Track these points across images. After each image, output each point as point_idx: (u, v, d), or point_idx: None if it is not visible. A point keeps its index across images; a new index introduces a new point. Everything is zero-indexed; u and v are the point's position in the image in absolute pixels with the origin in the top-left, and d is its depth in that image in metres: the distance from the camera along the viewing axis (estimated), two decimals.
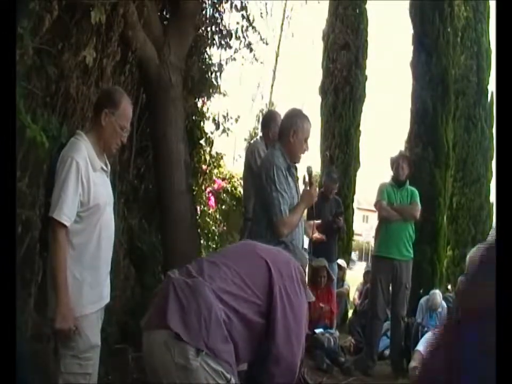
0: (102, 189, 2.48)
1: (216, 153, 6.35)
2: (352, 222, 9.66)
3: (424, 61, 7.49)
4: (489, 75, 10.80)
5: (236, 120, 6.05)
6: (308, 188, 3.31)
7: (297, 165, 3.43)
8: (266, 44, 6.16)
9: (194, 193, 5.37)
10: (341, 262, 7.14)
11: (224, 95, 5.95)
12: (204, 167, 6.07)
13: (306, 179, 3.36)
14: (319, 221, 3.88)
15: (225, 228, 7.23)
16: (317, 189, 3.41)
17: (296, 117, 3.33)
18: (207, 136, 5.80)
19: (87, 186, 2.37)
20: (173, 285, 1.90)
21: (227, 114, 5.91)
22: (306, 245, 4.28)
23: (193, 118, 5.50)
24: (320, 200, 5.98)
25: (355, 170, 9.69)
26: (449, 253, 9.98)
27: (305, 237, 3.93)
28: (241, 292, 1.95)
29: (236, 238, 5.30)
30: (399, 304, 5.25)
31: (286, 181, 3.19)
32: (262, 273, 2.01)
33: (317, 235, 3.74)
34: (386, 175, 5.72)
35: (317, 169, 9.95)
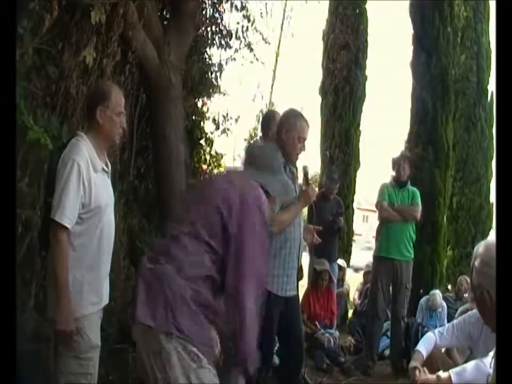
0: (103, 190, 2.48)
1: (216, 153, 6.35)
2: (352, 222, 9.66)
3: (424, 61, 7.48)
4: (489, 75, 10.80)
5: (236, 120, 6.05)
6: (305, 187, 3.30)
7: (296, 164, 3.43)
8: (268, 43, 6.16)
9: None
10: (341, 262, 7.15)
11: (224, 95, 5.95)
12: (204, 167, 6.07)
13: (303, 178, 3.36)
14: (319, 227, 3.87)
15: None
16: (315, 189, 3.41)
17: (290, 116, 3.34)
18: (207, 136, 5.80)
19: (88, 188, 2.38)
20: (142, 276, 2.00)
21: (227, 114, 5.91)
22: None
23: (193, 118, 5.50)
24: (321, 200, 5.99)
25: (355, 170, 9.69)
26: (449, 253, 9.98)
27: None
28: (207, 257, 1.97)
29: None
30: (399, 304, 5.25)
31: None
32: (218, 224, 1.98)
33: (314, 240, 3.74)
34: (386, 175, 5.73)
35: (316, 169, 9.97)
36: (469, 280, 1.88)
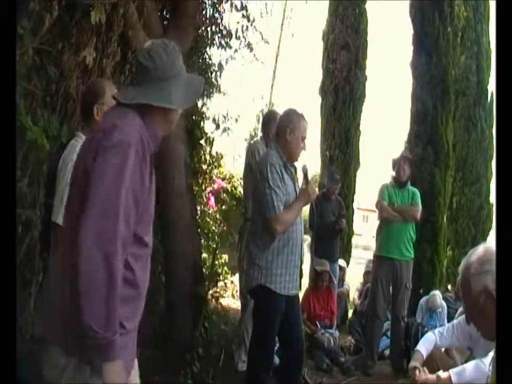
0: None
1: (216, 153, 6.35)
2: (352, 222, 9.66)
3: (424, 61, 7.48)
4: (489, 75, 10.80)
5: (236, 120, 6.06)
6: (305, 186, 3.32)
7: (294, 164, 3.44)
8: (267, 43, 6.15)
9: (194, 193, 5.37)
10: (341, 262, 7.15)
11: (224, 94, 5.95)
12: (204, 167, 6.07)
13: (302, 177, 3.37)
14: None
15: (225, 228, 7.22)
16: (314, 188, 3.42)
17: (292, 116, 3.35)
18: (207, 136, 5.80)
19: None
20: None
21: (227, 114, 5.92)
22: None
23: (193, 118, 5.50)
24: (322, 200, 6.00)
25: (355, 170, 9.68)
26: (449, 253, 9.96)
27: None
28: None
29: (235, 238, 5.30)
30: (399, 304, 5.26)
31: (281, 179, 3.19)
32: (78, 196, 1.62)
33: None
34: (386, 175, 5.74)
35: (317, 169, 9.96)
36: None
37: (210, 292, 5.46)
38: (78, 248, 1.47)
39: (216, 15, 5.39)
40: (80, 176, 1.63)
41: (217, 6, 5.35)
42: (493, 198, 10.39)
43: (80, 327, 1.47)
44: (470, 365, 2.61)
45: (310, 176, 3.49)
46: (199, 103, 5.69)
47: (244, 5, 5.49)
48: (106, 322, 1.48)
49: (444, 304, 6.19)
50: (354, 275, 9.49)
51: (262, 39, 5.93)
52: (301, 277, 3.48)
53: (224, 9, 5.44)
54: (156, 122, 1.74)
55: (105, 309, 1.48)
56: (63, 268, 1.60)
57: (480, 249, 1.73)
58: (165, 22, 4.59)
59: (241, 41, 5.57)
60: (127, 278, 1.63)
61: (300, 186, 3.42)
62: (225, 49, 5.47)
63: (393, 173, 5.42)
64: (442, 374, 2.64)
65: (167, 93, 1.72)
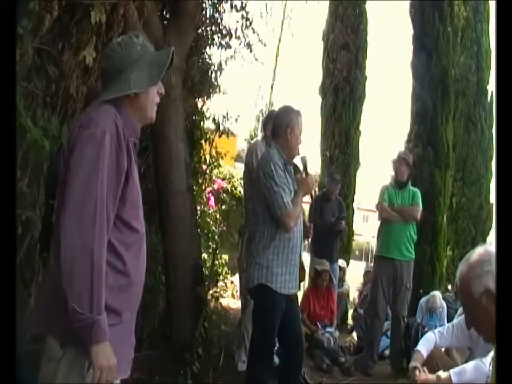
0: None
1: (216, 153, 6.35)
2: (352, 222, 9.68)
3: (424, 61, 7.49)
4: (489, 75, 10.81)
5: (236, 120, 6.05)
6: (304, 177, 3.34)
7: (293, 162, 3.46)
8: (264, 45, 6.13)
9: (194, 193, 5.37)
10: (341, 262, 7.16)
11: (223, 93, 5.94)
12: (204, 167, 6.07)
13: (302, 168, 3.39)
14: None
15: (225, 228, 7.23)
16: (313, 178, 3.43)
17: (289, 114, 3.37)
18: (207, 136, 5.80)
19: None
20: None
21: (227, 114, 5.91)
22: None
23: (193, 118, 5.50)
24: (322, 201, 6.01)
25: (355, 170, 9.70)
26: (449, 253, 9.97)
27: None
28: None
29: (235, 238, 5.30)
30: (400, 304, 5.26)
31: (285, 175, 3.23)
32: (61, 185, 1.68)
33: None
34: (386, 175, 5.75)
35: (317, 169, 9.97)
36: None
37: (210, 292, 5.46)
38: (59, 236, 1.52)
39: (216, 15, 5.38)
40: (62, 172, 1.67)
41: (217, 6, 5.35)
42: (493, 198, 10.40)
43: (68, 313, 1.49)
44: (470, 365, 2.61)
45: None
46: (199, 103, 5.68)
47: (243, 5, 5.49)
48: (90, 304, 1.50)
49: (444, 304, 6.20)
50: (354, 275, 9.50)
51: (259, 40, 5.87)
52: (302, 279, 3.48)
53: (224, 9, 5.45)
54: (129, 111, 1.78)
55: (88, 291, 1.50)
56: (53, 260, 1.62)
57: (477, 251, 1.72)
58: (165, 22, 4.59)
59: (241, 41, 5.56)
60: (116, 267, 1.66)
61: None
62: (225, 49, 5.47)
63: (394, 174, 5.43)
64: (442, 374, 2.64)
65: (124, 82, 1.76)
